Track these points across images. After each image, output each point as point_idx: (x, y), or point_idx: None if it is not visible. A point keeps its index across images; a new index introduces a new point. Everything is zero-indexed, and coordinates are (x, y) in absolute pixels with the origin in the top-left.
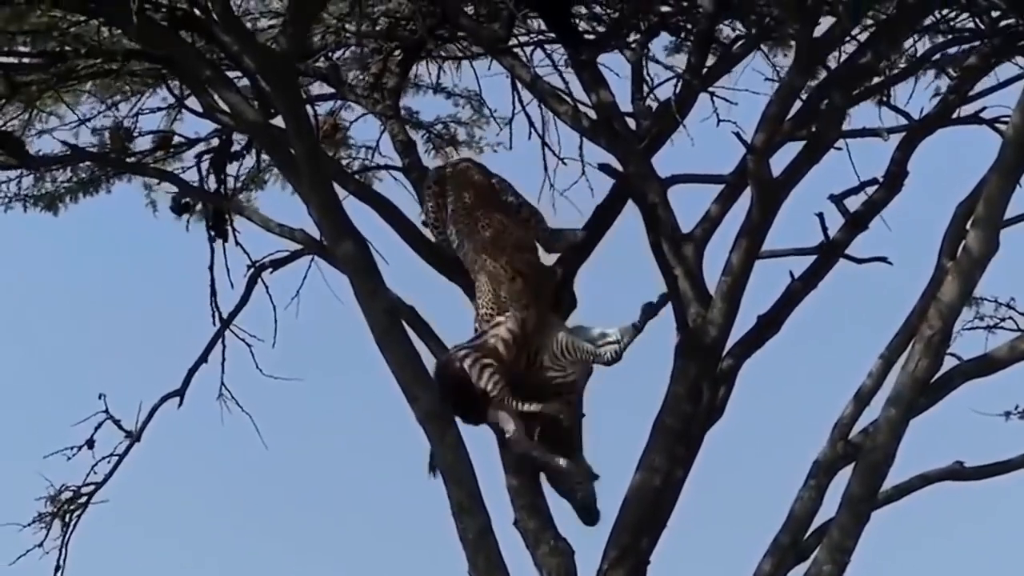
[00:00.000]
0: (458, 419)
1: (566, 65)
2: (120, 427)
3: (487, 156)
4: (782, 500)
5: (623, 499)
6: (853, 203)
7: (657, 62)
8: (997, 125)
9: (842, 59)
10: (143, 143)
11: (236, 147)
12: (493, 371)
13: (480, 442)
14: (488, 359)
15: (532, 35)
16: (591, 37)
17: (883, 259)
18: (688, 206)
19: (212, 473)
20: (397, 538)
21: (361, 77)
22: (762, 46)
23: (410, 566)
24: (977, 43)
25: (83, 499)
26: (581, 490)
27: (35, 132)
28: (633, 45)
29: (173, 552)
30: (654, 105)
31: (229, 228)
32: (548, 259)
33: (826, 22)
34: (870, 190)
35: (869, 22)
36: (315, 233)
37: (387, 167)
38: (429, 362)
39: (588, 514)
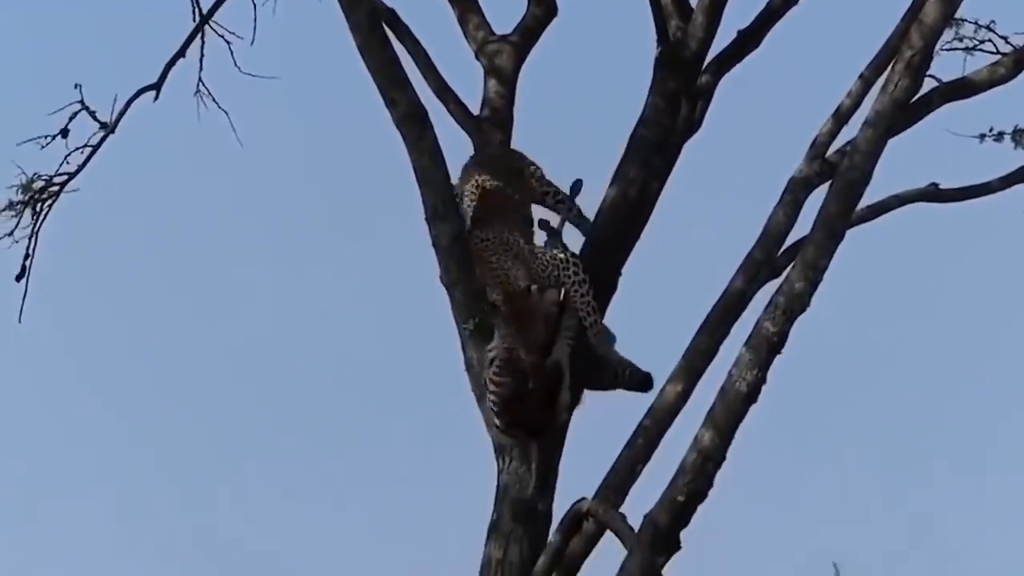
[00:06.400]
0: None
1: None
2: (95, 118)
3: None
4: (757, 217)
5: (597, 211)
6: None
7: None
8: None
9: None
10: None
11: None
12: None
13: (455, 146)
14: None
15: None
16: None
17: None
18: None
19: (186, 168)
20: (368, 231)
21: None
22: None
23: (382, 268)
24: None
25: (55, 188)
26: (627, 367)
27: None
28: None
29: (145, 240)
30: None
31: None
32: None
33: None
34: None
35: None
36: None
37: None
38: (408, 65)
39: (645, 381)
